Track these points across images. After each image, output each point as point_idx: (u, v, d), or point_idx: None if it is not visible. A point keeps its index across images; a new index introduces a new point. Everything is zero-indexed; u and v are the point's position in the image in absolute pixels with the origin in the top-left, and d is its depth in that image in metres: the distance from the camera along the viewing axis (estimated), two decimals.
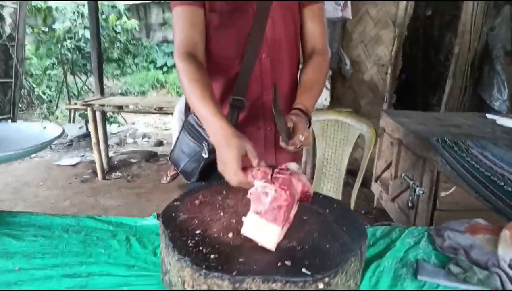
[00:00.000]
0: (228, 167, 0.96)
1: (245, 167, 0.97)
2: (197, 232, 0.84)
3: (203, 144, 1.22)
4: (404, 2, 4.15)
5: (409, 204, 2.58)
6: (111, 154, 4.85)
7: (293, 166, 0.99)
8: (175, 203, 0.98)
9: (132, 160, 4.73)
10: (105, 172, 4.21)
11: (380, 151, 3.37)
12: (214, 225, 0.88)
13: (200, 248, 0.78)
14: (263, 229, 0.81)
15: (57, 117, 7.44)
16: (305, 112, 1.17)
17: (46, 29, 7.54)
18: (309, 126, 1.18)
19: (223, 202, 1.00)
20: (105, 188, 3.85)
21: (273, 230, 0.81)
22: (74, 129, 5.91)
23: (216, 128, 1.03)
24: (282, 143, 1.09)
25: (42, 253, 0.97)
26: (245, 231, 0.84)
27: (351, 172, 3.44)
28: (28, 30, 7.24)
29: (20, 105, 6.56)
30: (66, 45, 6.95)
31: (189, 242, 0.80)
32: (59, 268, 0.91)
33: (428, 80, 5.35)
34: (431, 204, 2.40)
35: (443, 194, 2.37)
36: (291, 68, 1.35)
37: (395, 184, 2.96)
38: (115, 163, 4.63)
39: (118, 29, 7.71)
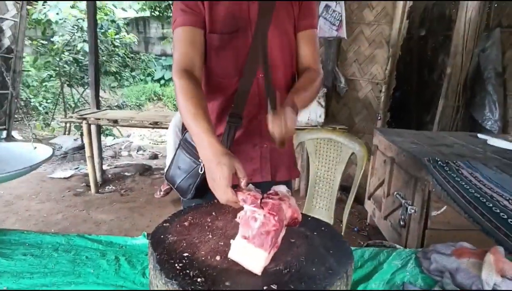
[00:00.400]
0: (218, 185, 0.97)
1: (235, 185, 0.98)
2: (185, 254, 0.85)
3: (199, 161, 1.23)
4: (398, 23, 4.24)
5: (401, 223, 2.59)
6: (105, 167, 4.84)
7: (282, 188, 1.01)
8: (164, 224, 0.99)
9: (126, 173, 4.72)
10: (99, 185, 4.20)
11: (373, 169, 3.39)
12: (202, 247, 0.89)
13: (187, 271, 0.79)
14: (250, 253, 0.82)
15: (53, 130, 7.43)
16: (292, 104, 1.15)
17: (45, 42, 7.59)
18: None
19: (212, 224, 1.01)
20: (98, 202, 3.84)
21: (260, 255, 0.81)
22: (69, 142, 5.91)
23: (207, 146, 1.03)
24: (270, 127, 1.08)
25: (31, 272, 0.97)
26: (232, 255, 0.85)
27: (345, 188, 3.45)
28: (27, 41, 7.29)
29: (15, 116, 6.56)
30: (64, 57, 6.99)
31: (176, 264, 0.81)
32: (48, 288, 0.92)
33: (421, 99, 5.41)
34: (422, 223, 2.41)
35: (434, 213, 2.39)
36: (287, 87, 1.38)
37: (387, 202, 2.97)
38: (109, 176, 4.62)
39: (117, 43, 7.78)
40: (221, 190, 0.96)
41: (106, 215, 3.53)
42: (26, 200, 3.79)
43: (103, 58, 7.40)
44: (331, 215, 2.32)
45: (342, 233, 2.20)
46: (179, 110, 1.17)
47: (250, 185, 0.99)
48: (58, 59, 6.96)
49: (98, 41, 5.50)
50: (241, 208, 0.94)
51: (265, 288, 0.77)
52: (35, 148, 1.53)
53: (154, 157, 5.99)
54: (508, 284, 1.02)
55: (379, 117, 4.51)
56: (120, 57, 7.92)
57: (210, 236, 0.94)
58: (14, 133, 6.25)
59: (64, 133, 7.07)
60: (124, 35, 7.98)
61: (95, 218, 3.46)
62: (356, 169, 2.26)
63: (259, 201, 0.91)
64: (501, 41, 3.95)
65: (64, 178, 4.47)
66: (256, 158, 1.38)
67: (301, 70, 1.42)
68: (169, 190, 4.05)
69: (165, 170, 1.41)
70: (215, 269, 0.81)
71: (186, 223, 0.99)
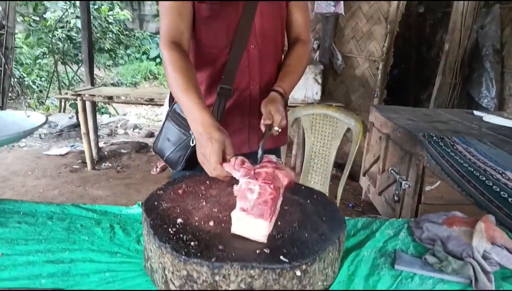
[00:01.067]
0: (208, 160, 0.97)
1: (224, 160, 0.98)
2: (179, 220, 0.86)
3: (190, 133, 1.23)
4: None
5: (395, 198, 2.62)
6: (101, 144, 4.83)
7: (273, 158, 1.01)
8: (158, 192, 0.99)
9: (122, 151, 4.71)
10: (95, 162, 4.19)
11: (369, 145, 3.40)
12: (195, 214, 0.90)
13: (181, 235, 0.80)
14: (252, 225, 0.82)
15: (48, 108, 7.36)
16: (283, 95, 1.24)
17: (37, 18, 7.43)
18: (285, 107, 1.26)
19: (206, 192, 1.02)
20: (94, 178, 3.85)
21: (261, 224, 0.82)
22: (64, 119, 5.87)
23: (198, 120, 1.03)
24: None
25: (25, 239, 0.98)
26: (235, 229, 0.85)
27: (340, 165, 3.47)
28: (19, 18, 7.13)
29: (10, 95, 6.48)
30: (57, 34, 6.85)
31: (170, 229, 0.82)
32: (42, 254, 0.92)
33: (419, 77, 5.40)
34: (416, 198, 2.44)
35: (428, 188, 2.41)
36: (277, 58, 1.39)
37: (382, 178, 3.00)
38: (105, 153, 4.61)
39: (111, 19, 7.62)
40: (211, 165, 0.97)
41: (102, 191, 3.54)
42: (22, 176, 3.79)
43: (97, 35, 7.27)
44: (326, 190, 2.34)
45: None
46: (168, 83, 1.16)
47: (240, 157, 0.99)
48: (50, 36, 6.83)
49: (91, 17, 5.38)
50: (232, 180, 0.95)
51: (258, 252, 0.78)
52: (29, 116, 1.52)
53: (150, 135, 5.97)
54: (497, 251, 1.03)
55: (375, 95, 4.50)
56: (114, 34, 7.78)
57: (204, 204, 0.95)
58: (2, 111, 6.19)
59: (59, 112, 7.01)
60: (118, 12, 7.82)
61: (92, 194, 3.47)
62: (351, 147, 2.26)
63: (252, 172, 0.91)
64: (500, 18, 3.91)
65: (60, 155, 4.46)
66: (244, 128, 1.38)
67: (292, 39, 1.43)
68: (165, 166, 4.05)
69: (153, 142, 1.40)
70: (208, 233, 0.82)
71: (180, 191, 1.00)
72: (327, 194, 2.34)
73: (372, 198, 3.25)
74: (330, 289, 0.89)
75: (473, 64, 4.08)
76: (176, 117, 1.30)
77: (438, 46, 4.97)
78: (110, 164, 4.29)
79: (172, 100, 1.34)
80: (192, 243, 0.77)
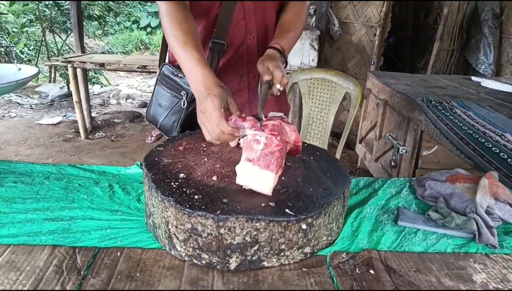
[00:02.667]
0: (208, 117, 0.90)
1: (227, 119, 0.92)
2: (181, 175, 0.84)
3: (181, 94, 1.18)
4: None
5: (392, 163, 2.62)
6: (94, 114, 4.76)
7: (280, 114, 0.98)
8: (158, 149, 0.96)
9: (115, 120, 4.65)
10: (88, 131, 4.14)
11: (365, 112, 3.38)
12: (198, 169, 0.87)
13: (184, 189, 0.78)
14: (257, 175, 0.80)
15: (37, 79, 7.19)
16: (281, 51, 1.15)
17: None
18: (285, 66, 1.17)
19: (207, 149, 0.99)
20: (89, 147, 3.81)
21: (267, 175, 0.80)
22: (55, 89, 5.75)
23: (198, 77, 0.97)
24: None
25: (22, 198, 0.95)
26: (240, 179, 0.82)
27: (336, 134, 3.46)
28: None
29: None
30: (44, 1, 6.62)
31: (172, 183, 0.79)
32: (41, 212, 0.90)
33: (416, 44, 5.32)
34: (413, 163, 2.44)
35: (425, 153, 2.41)
36: (274, 11, 1.31)
37: (379, 144, 2.99)
38: (98, 122, 4.55)
39: None
40: (213, 122, 0.89)
41: (97, 159, 3.51)
42: (14, 146, 3.73)
43: (85, 1, 7.03)
44: None
45: None
46: (166, 37, 1.09)
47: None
48: (37, 2, 6.59)
49: None
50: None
51: (263, 205, 0.77)
52: (20, 69, 1.46)
53: (144, 105, 5.89)
54: (500, 206, 1.03)
55: (372, 62, 4.44)
56: (103, 1, 7.53)
57: (206, 159, 0.93)
58: None
59: (49, 82, 6.86)
60: None
61: (86, 162, 3.43)
62: (347, 115, 2.23)
63: (259, 124, 0.88)
64: None
65: (52, 125, 4.39)
66: (244, 90, 1.31)
67: None
68: (160, 135, 4.01)
69: (145, 111, 1.34)
70: (212, 187, 0.80)
71: (180, 148, 0.97)
72: None
73: (368, 164, 3.26)
74: (334, 244, 0.89)
75: (472, 30, 4.02)
76: (165, 80, 1.24)
77: (436, 12, 4.87)
78: (104, 133, 4.24)
79: (161, 61, 1.28)
80: (196, 197, 0.75)
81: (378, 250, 0.88)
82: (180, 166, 0.87)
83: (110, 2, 7.80)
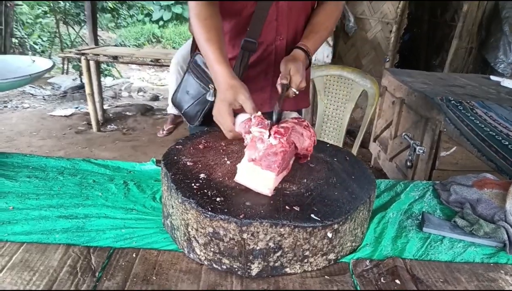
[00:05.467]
0: (222, 121, 0.98)
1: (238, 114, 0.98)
2: (201, 175, 0.80)
3: (209, 87, 1.17)
4: None
5: (408, 163, 2.56)
6: (106, 106, 4.75)
7: (295, 115, 0.95)
8: (177, 147, 0.93)
9: (127, 113, 4.64)
10: (100, 123, 4.13)
11: (380, 110, 3.31)
12: (218, 169, 0.84)
13: (205, 190, 0.75)
14: (258, 175, 0.78)
15: (54, 65, 7.20)
16: (307, 52, 1.17)
17: None
18: (308, 67, 1.20)
19: (227, 148, 0.96)
20: (100, 140, 3.80)
21: (268, 176, 0.77)
22: (67, 81, 5.76)
23: (215, 74, 1.02)
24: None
25: (36, 194, 0.93)
26: (239, 178, 0.80)
27: (350, 132, 3.40)
28: None
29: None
30: None
31: (193, 184, 0.76)
32: (55, 209, 0.88)
33: (432, 41, 5.21)
34: (430, 163, 2.38)
35: (443, 153, 2.35)
36: (307, 12, 1.29)
37: (394, 144, 2.93)
38: (110, 115, 4.54)
39: None
40: (225, 127, 0.98)
41: (109, 152, 3.50)
42: (27, 137, 3.74)
43: None
44: None
45: None
46: (193, 30, 1.11)
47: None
48: None
49: None
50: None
51: (287, 209, 0.73)
52: (34, 61, 1.44)
53: (155, 98, 5.87)
54: None
55: (387, 60, 4.35)
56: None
57: (226, 159, 0.89)
58: (7, 56, 6.05)
59: (62, 74, 6.88)
60: None
61: (98, 155, 3.43)
62: (361, 113, 2.18)
63: (266, 122, 0.85)
64: None
65: (65, 116, 4.39)
66: (267, 87, 1.31)
67: None
68: (172, 129, 4.00)
69: (171, 94, 1.35)
70: (233, 189, 0.77)
71: (200, 146, 0.94)
72: None
73: (382, 164, 3.20)
74: (358, 250, 0.85)
75: (491, 27, 3.92)
76: (196, 69, 1.24)
77: (454, 9, 4.76)
78: (115, 126, 4.23)
79: (193, 50, 1.27)
80: (218, 199, 0.72)
81: (403, 258, 0.84)
82: (200, 166, 0.84)
83: None
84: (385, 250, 0.86)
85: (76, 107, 4.78)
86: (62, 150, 3.48)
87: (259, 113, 0.90)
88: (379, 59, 4.43)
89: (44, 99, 5.11)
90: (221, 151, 0.93)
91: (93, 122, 4.00)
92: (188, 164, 0.85)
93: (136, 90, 6.22)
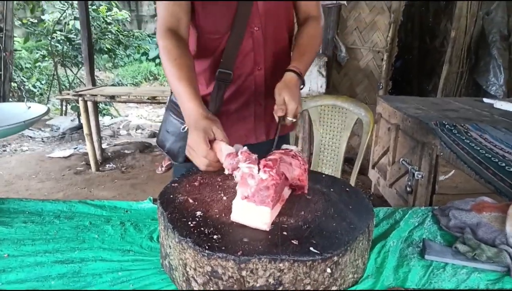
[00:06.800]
0: (197, 149, 0.94)
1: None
2: (198, 213, 0.80)
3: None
4: None
5: (408, 189, 2.56)
6: (104, 145, 4.77)
7: (293, 148, 0.96)
8: (173, 185, 0.93)
9: (126, 151, 4.66)
10: (99, 163, 4.14)
11: (377, 137, 3.34)
12: (215, 206, 0.84)
13: (202, 228, 0.74)
14: (253, 212, 0.77)
15: (49, 111, 7.29)
16: (299, 75, 1.18)
17: (35, 20, 7.37)
18: (302, 88, 1.21)
19: (223, 183, 0.96)
20: (99, 179, 3.79)
21: (263, 211, 0.77)
22: (66, 122, 5.81)
23: (186, 111, 1.02)
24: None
25: (32, 239, 0.92)
26: (235, 216, 0.80)
27: (348, 160, 3.40)
28: (17, 22, 7.07)
29: (10, 100, 6.42)
30: (56, 36, 6.79)
31: (189, 223, 0.76)
32: (50, 254, 0.87)
33: (423, 67, 5.32)
34: (430, 188, 2.37)
35: (442, 177, 2.35)
36: (284, 41, 1.32)
37: (393, 170, 2.93)
38: (109, 154, 4.56)
39: (109, 20, 7.55)
40: (200, 153, 0.92)
41: (108, 192, 3.48)
42: (25, 180, 3.73)
43: (96, 35, 7.21)
44: None
45: None
46: (164, 73, 1.13)
47: (237, 145, 0.94)
48: (49, 38, 6.76)
49: (90, 18, 5.32)
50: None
51: (286, 243, 0.72)
52: (29, 107, 1.46)
53: (153, 135, 5.90)
54: None
55: (380, 87, 4.42)
56: (113, 34, 7.71)
57: (222, 195, 0.89)
58: (3, 103, 6.12)
59: (61, 115, 6.95)
60: (116, 12, 7.75)
61: (97, 195, 3.41)
62: (358, 140, 2.20)
63: (253, 157, 0.85)
64: (506, 3, 3.83)
65: (63, 157, 4.40)
66: (250, 117, 1.32)
67: (302, 17, 1.35)
68: (170, 165, 4.00)
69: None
70: (231, 226, 0.76)
71: (196, 183, 0.94)
72: None
73: (382, 190, 3.19)
74: (359, 282, 0.84)
75: (480, 52, 4.02)
76: (174, 107, 1.26)
77: (443, 35, 4.89)
78: (114, 165, 4.23)
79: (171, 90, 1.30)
80: (215, 236, 0.71)
81: (405, 288, 0.83)
82: (196, 203, 0.84)
83: (120, 36, 7.97)
84: (387, 280, 0.85)
85: (75, 148, 4.80)
86: (61, 191, 3.47)
87: (245, 148, 0.90)
88: (373, 87, 4.50)
89: (43, 141, 5.14)
90: (217, 186, 0.93)
91: (92, 162, 4.01)
92: (184, 202, 0.84)
93: (134, 128, 6.27)
